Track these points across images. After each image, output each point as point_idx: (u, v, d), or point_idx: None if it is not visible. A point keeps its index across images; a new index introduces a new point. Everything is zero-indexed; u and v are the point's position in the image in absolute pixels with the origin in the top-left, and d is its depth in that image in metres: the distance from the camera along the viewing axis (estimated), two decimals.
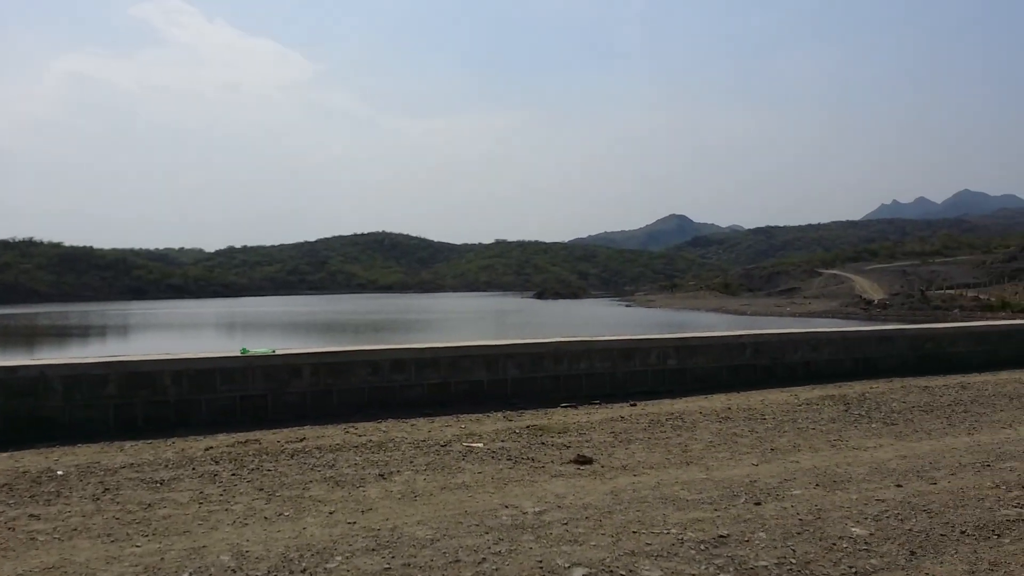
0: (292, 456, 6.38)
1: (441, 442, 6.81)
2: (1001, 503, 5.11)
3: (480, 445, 6.71)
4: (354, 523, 4.73)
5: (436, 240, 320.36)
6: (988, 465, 6.10)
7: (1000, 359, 12.59)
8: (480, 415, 8.07)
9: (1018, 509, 4.97)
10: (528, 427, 7.43)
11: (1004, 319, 41.78)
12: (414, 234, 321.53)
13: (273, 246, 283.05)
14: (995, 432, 7.39)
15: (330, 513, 4.94)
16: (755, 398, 9.16)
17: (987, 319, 45.66)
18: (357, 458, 6.31)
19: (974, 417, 8.12)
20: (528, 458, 6.31)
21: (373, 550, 4.27)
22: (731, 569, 4.00)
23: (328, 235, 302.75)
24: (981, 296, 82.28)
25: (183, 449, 6.70)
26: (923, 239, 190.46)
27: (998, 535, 4.52)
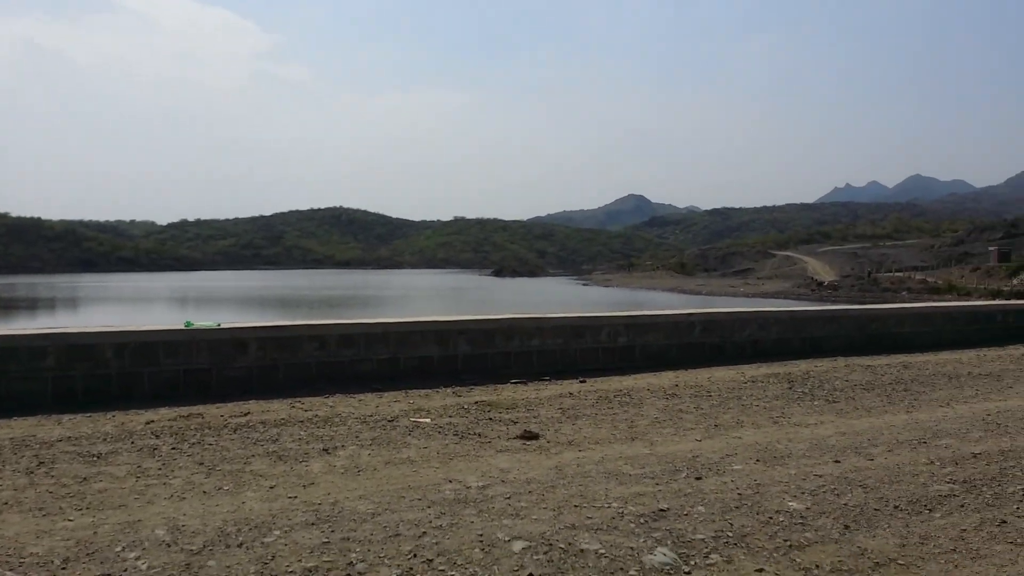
0: (235, 431, 6.29)
1: (388, 417, 6.77)
2: (934, 479, 5.24)
3: (427, 420, 6.68)
4: (295, 497, 4.69)
5: (394, 216, 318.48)
6: (924, 442, 6.24)
7: (943, 340, 12.89)
8: (429, 390, 8.04)
9: (950, 485, 5.10)
10: (477, 403, 7.43)
11: (949, 301, 42.84)
12: (372, 210, 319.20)
13: (227, 220, 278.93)
14: (933, 410, 7.57)
15: (271, 487, 4.89)
16: (703, 375, 9.26)
17: (933, 301, 46.86)
18: (302, 433, 6.25)
19: (913, 396, 8.30)
20: (475, 433, 6.31)
21: (312, 524, 4.23)
22: (669, 542, 4.04)
23: (284, 209, 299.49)
24: (929, 279, 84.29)
25: (123, 423, 6.57)
26: (874, 222, 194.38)
27: (930, 510, 4.63)
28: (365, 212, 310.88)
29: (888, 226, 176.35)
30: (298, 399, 7.52)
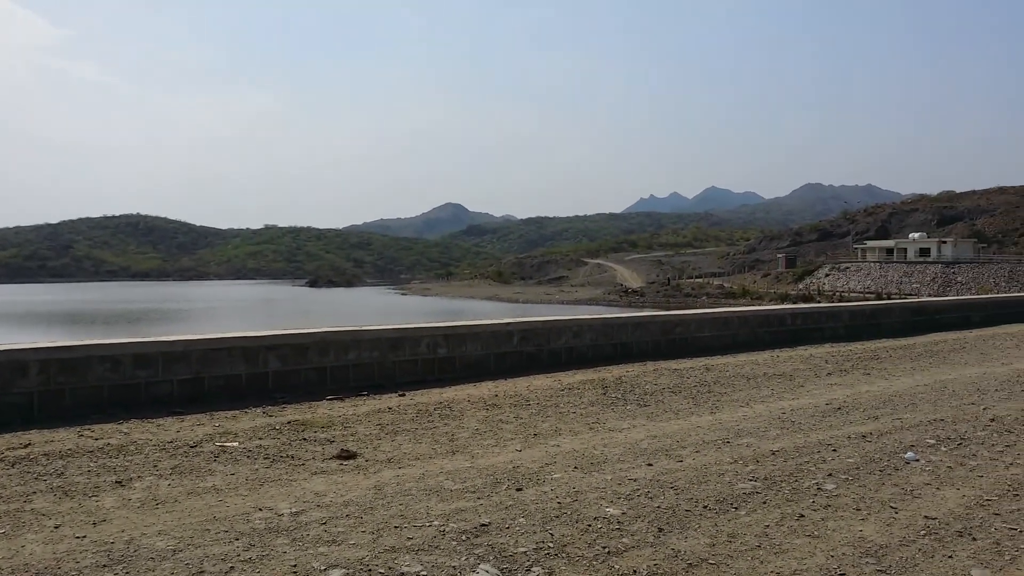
0: (13, 465, 5.66)
1: (191, 443, 6.33)
2: (739, 477, 5.54)
3: (235, 444, 6.31)
4: (84, 537, 4.27)
5: (198, 224, 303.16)
6: (728, 442, 6.61)
7: (740, 342, 13.81)
8: (237, 412, 7.60)
9: (753, 482, 5.41)
10: (289, 423, 7.10)
11: (743, 306, 46.26)
12: (173, 217, 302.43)
13: (7, 228, 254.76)
14: (734, 410, 8.05)
15: (56, 527, 4.42)
16: (521, 384, 9.38)
17: (729, 305, 50.40)
18: (91, 464, 5.72)
19: (716, 397, 8.80)
20: (287, 456, 6.02)
21: (104, 566, 3.86)
22: (491, 558, 4.01)
23: (73, 217, 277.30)
24: (725, 284, 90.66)
25: None
26: (676, 231, 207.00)
27: (735, 508, 4.89)
28: (166, 220, 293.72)
29: (688, 235, 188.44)
30: (87, 427, 6.89)
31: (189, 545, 4.15)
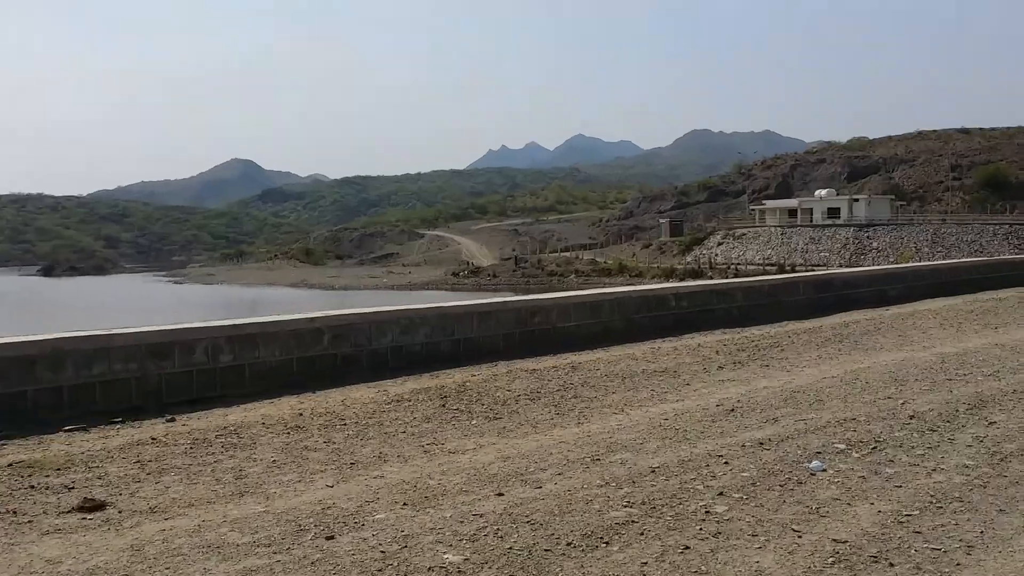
0: None
1: None
2: (610, 504, 5.70)
3: None
4: None
5: None
6: (598, 459, 6.79)
7: (614, 332, 14.15)
8: None
9: (628, 509, 5.58)
10: (11, 465, 6.74)
11: (620, 285, 47.64)
12: None
13: None
14: (606, 419, 8.27)
15: None
16: (334, 398, 9.29)
17: (603, 285, 51.83)
18: None
19: (584, 403, 9.02)
20: (7, 511, 5.71)
21: None
22: None
23: None
24: (598, 259, 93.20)
25: None
26: (535, 193, 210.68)
27: (607, 542, 5.02)
28: None
29: (551, 197, 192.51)
30: None
31: None
